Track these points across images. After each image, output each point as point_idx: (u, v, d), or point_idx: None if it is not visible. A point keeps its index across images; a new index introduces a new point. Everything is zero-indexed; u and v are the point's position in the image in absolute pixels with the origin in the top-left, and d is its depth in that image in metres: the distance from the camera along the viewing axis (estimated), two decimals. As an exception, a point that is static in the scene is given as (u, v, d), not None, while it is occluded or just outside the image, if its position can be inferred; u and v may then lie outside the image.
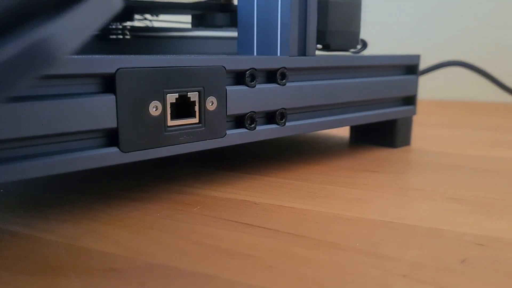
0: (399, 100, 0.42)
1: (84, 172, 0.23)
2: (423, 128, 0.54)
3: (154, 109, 0.25)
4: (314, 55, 0.33)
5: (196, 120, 0.27)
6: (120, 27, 0.39)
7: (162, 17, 0.48)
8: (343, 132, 0.50)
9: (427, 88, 0.72)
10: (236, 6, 0.37)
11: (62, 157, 0.22)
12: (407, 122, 0.44)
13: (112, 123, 0.23)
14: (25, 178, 0.21)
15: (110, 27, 0.39)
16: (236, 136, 0.29)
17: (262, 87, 0.30)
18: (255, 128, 0.30)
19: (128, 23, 0.41)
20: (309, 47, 0.33)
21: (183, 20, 0.49)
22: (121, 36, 0.39)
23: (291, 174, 0.34)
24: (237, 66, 0.29)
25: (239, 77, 0.29)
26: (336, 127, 0.36)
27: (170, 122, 0.26)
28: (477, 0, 0.87)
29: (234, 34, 0.44)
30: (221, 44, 0.45)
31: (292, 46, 0.32)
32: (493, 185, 0.32)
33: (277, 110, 0.31)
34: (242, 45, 0.34)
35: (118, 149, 0.24)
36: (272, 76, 0.31)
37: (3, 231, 0.23)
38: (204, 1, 0.42)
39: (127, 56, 0.24)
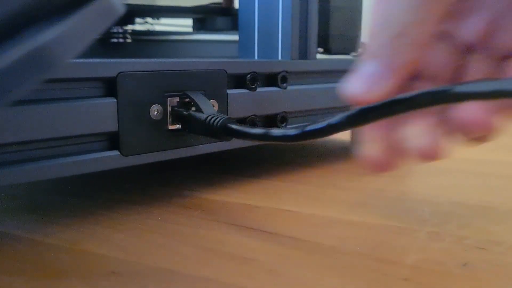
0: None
1: (85, 176, 0.23)
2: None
3: (155, 113, 0.25)
4: (315, 58, 0.33)
5: (197, 123, 0.27)
6: (122, 31, 0.39)
7: (163, 20, 0.48)
8: (344, 135, 0.50)
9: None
10: (237, 9, 0.37)
11: (63, 161, 0.22)
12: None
13: (113, 127, 0.23)
14: (26, 182, 0.21)
15: (112, 31, 0.39)
16: (237, 139, 0.29)
17: (263, 90, 0.30)
18: (256, 132, 0.30)
19: (130, 27, 0.41)
20: (310, 50, 0.33)
21: (184, 24, 0.49)
22: (122, 40, 0.39)
23: (292, 178, 0.34)
24: (238, 70, 0.29)
25: (240, 81, 0.29)
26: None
27: (171, 126, 0.26)
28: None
29: (235, 37, 0.44)
30: (222, 48, 0.45)
31: (293, 50, 0.32)
32: (494, 188, 0.31)
33: (278, 114, 0.31)
34: (243, 49, 0.34)
35: (119, 153, 0.24)
36: (273, 79, 0.31)
37: (4, 235, 0.23)
38: (205, 5, 0.42)
39: (128, 60, 0.24)
